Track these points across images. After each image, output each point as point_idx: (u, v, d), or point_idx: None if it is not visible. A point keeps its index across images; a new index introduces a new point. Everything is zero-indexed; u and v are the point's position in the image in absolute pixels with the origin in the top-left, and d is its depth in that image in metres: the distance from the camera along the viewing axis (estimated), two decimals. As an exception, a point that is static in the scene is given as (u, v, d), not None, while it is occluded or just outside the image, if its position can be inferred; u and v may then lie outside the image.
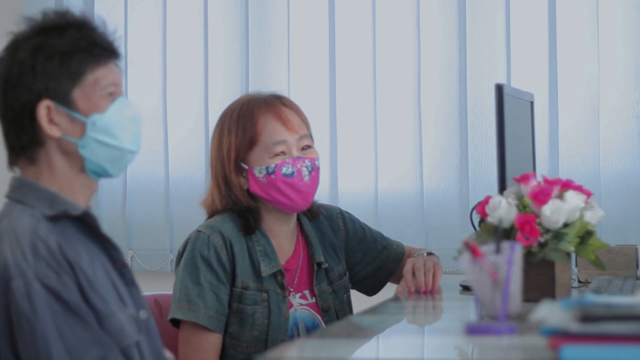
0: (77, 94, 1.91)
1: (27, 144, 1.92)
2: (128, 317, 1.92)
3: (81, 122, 1.91)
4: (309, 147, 2.61)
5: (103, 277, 1.92)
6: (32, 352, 1.81)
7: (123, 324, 1.90)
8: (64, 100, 1.90)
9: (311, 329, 2.61)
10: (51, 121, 1.90)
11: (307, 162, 2.59)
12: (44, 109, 1.90)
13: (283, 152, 2.56)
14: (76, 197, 1.94)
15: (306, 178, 2.57)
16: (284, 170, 2.55)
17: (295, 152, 2.58)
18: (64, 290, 1.83)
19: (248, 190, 2.58)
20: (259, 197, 2.58)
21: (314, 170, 2.60)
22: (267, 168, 2.55)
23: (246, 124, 2.57)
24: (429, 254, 2.75)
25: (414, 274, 2.63)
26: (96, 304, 1.87)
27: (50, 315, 1.82)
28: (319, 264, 2.65)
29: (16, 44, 1.93)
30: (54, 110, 1.90)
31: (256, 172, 2.56)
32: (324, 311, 2.64)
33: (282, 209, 2.59)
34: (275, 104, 2.60)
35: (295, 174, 2.56)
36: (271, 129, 2.57)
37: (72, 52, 1.91)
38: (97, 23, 1.97)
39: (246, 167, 2.57)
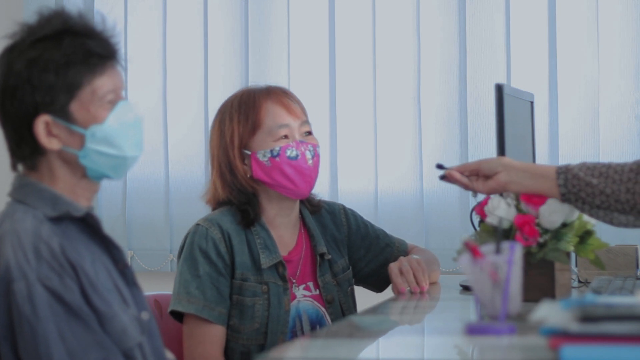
0: (75, 107, 1.89)
1: (28, 154, 1.91)
2: (130, 318, 1.92)
3: (80, 134, 1.90)
4: (309, 133, 2.63)
5: (105, 278, 1.91)
6: (33, 354, 1.80)
7: (126, 325, 1.89)
8: (62, 113, 1.88)
9: (315, 321, 2.62)
10: (50, 134, 1.89)
11: (310, 147, 2.61)
12: (42, 123, 1.88)
13: (286, 136, 2.58)
14: (78, 199, 1.94)
15: (310, 162, 2.59)
16: (288, 152, 2.57)
17: (298, 137, 2.59)
18: (66, 293, 1.83)
19: (251, 178, 2.59)
20: (262, 183, 2.59)
21: (316, 155, 2.62)
22: (271, 151, 2.57)
23: (248, 110, 2.59)
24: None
25: (402, 275, 2.63)
26: (98, 305, 1.86)
27: (52, 318, 1.81)
28: (322, 255, 2.66)
29: (11, 53, 1.90)
30: (52, 123, 1.88)
31: (260, 156, 2.57)
32: (328, 302, 2.65)
33: (285, 194, 2.60)
34: (276, 91, 2.64)
35: (299, 157, 2.57)
36: (274, 113, 2.59)
37: (68, 64, 1.87)
38: (96, 21, 1.93)
39: (249, 152, 2.58)
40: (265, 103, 2.60)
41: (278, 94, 2.62)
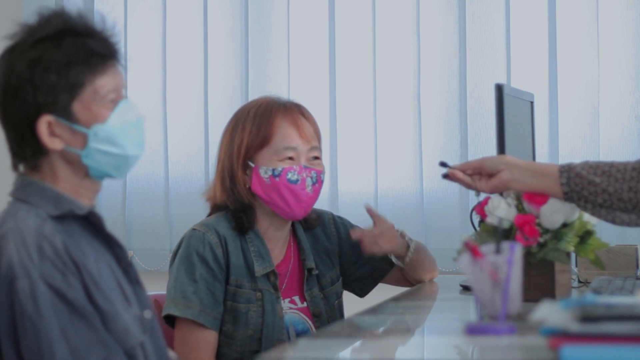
0: (77, 106, 1.89)
1: (30, 155, 1.91)
2: (133, 317, 1.92)
3: (83, 133, 1.90)
4: (317, 158, 2.62)
5: (108, 277, 1.91)
6: (36, 352, 1.80)
7: (128, 324, 1.89)
8: (64, 113, 1.88)
9: (301, 333, 2.61)
10: (52, 134, 1.89)
11: (313, 173, 2.59)
12: (45, 123, 1.88)
13: (291, 158, 2.57)
14: (80, 199, 1.93)
15: (309, 188, 2.57)
16: (289, 175, 2.56)
17: (304, 161, 2.58)
18: (69, 291, 1.83)
19: (249, 189, 2.59)
20: (258, 198, 2.59)
21: (318, 182, 2.60)
22: (273, 170, 2.56)
23: (261, 123, 2.58)
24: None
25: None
26: (101, 304, 1.86)
27: (55, 316, 1.81)
28: (310, 270, 2.65)
29: (12, 54, 1.89)
30: (55, 123, 1.88)
31: (262, 171, 2.57)
32: (315, 316, 2.64)
33: (279, 213, 2.59)
34: (293, 110, 2.61)
35: (299, 182, 2.56)
36: (285, 133, 2.57)
37: (69, 64, 1.88)
38: (95, 20, 1.93)
39: (252, 165, 2.58)
40: (279, 120, 2.58)
41: (294, 114, 2.60)
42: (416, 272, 2.76)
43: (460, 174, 2.29)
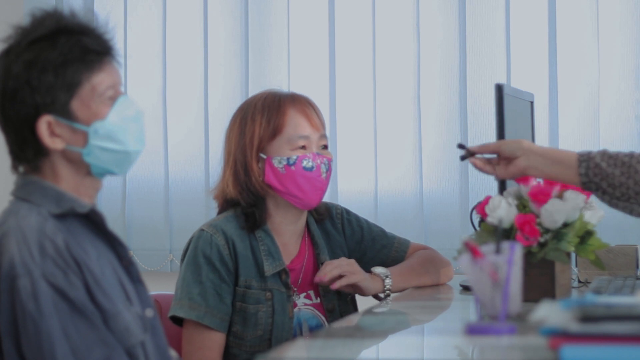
0: (76, 105, 1.90)
1: (31, 157, 1.91)
2: (134, 316, 1.92)
3: (83, 131, 1.90)
4: (326, 147, 2.64)
5: (110, 275, 1.92)
6: (37, 351, 1.80)
7: (129, 323, 1.90)
8: (64, 112, 1.89)
9: (315, 329, 2.62)
10: (53, 134, 1.89)
11: (325, 161, 2.61)
12: (45, 124, 1.88)
13: (304, 147, 2.59)
14: (81, 198, 1.94)
15: (323, 175, 2.60)
16: (304, 163, 2.57)
17: (315, 149, 2.60)
18: (71, 289, 1.83)
19: (263, 181, 2.59)
20: (273, 189, 2.59)
21: (329, 170, 2.62)
22: (288, 159, 2.57)
23: (272, 113, 2.59)
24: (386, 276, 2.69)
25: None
26: (103, 302, 1.87)
27: (56, 315, 1.81)
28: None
29: (8, 56, 1.90)
30: (55, 123, 1.89)
31: (275, 162, 2.57)
32: (329, 311, 2.65)
33: (293, 203, 2.60)
34: (301, 100, 2.63)
35: (314, 169, 2.58)
36: (297, 123, 2.59)
37: (65, 63, 1.88)
38: (88, 18, 1.94)
39: (264, 156, 2.58)
40: (289, 110, 2.59)
41: (302, 103, 2.62)
42: (411, 285, 2.73)
43: (479, 163, 2.28)
